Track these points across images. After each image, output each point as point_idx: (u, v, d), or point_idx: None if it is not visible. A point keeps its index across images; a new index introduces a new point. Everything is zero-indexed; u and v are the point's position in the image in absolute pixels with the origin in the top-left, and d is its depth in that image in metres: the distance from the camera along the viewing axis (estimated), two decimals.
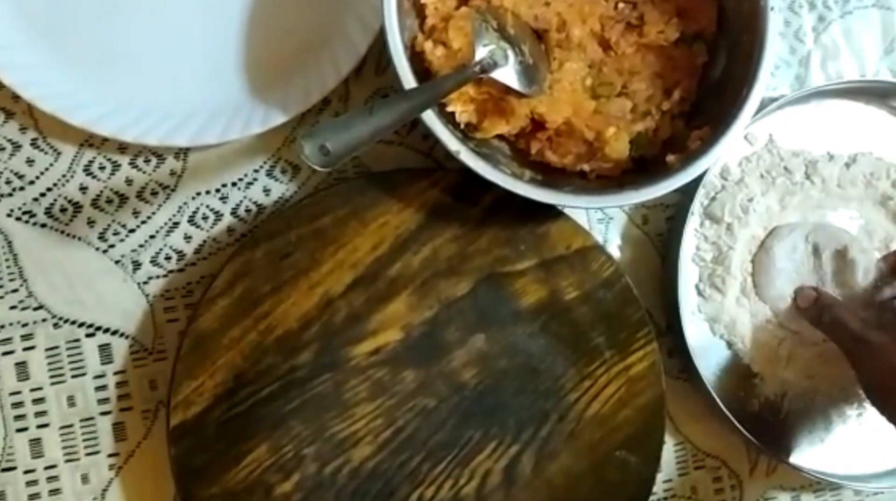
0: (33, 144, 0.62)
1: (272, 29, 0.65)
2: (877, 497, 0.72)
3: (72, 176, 0.63)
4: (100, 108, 0.61)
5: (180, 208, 0.64)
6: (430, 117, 0.57)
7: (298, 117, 0.64)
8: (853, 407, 0.70)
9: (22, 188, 0.62)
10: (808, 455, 0.69)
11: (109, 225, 0.63)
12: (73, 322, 0.62)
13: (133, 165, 0.63)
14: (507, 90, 0.60)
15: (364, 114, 0.52)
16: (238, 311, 0.60)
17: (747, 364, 0.69)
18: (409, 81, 0.57)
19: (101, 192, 0.63)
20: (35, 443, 0.62)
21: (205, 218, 0.64)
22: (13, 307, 0.62)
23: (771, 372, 0.69)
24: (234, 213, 0.65)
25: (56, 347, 0.62)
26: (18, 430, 0.62)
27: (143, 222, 0.64)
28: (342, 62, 0.63)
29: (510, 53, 0.59)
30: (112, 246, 0.63)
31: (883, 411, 0.61)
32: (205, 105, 0.63)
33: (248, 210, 0.65)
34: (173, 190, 0.64)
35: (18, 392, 0.62)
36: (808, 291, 0.67)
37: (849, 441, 0.70)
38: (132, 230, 0.63)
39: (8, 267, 0.62)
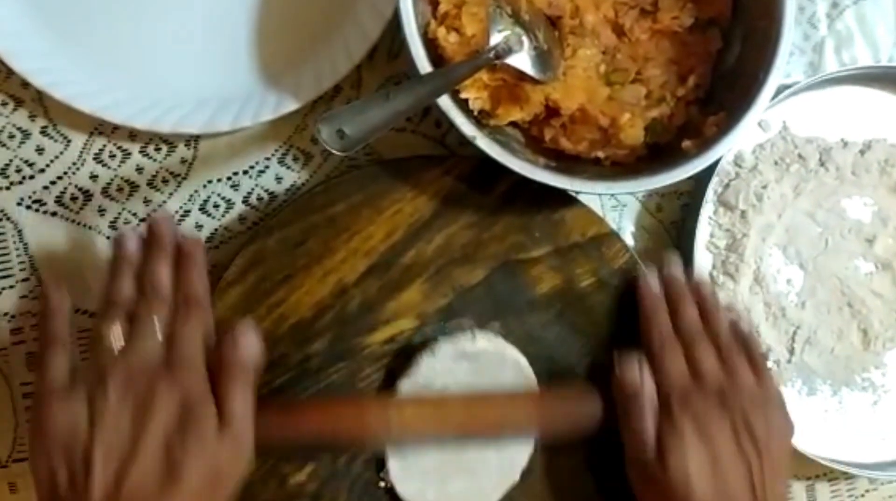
0: (43, 132, 0.62)
1: (284, 16, 0.64)
2: (892, 485, 0.71)
3: (82, 164, 0.62)
4: (111, 95, 0.61)
5: (191, 196, 0.63)
6: (445, 103, 0.57)
7: (310, 104, 0.64)
8: (869, 396, 0.70)
9: (32, 177, 0.62)
10: (823, 443, 0.69)
11: (120, 214, 0.63)
12: (84, 312, 0.62)
13: (143, 153, 0.63)
14: (522, 76, 0.59)
15: (380, 99, 0.52)
16: (251, 299, 0.60)
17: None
18: (424, 66, 0.56)
19: (112, 180, 0.63)
20: None
21: (216, 206, 0.64)
22: (23, 297, 0.61)
23: (785, 361, 0.68)
24: (245, 201, 0.64)
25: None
26: (29, 421, 0.61)
27: (154, 211, 0.63)
28: (354, 49, 0.62)
29: (525, 39, 0.59)
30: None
31: None
32: (216, 92, 0.62)
33: (259, 198, 0.64)
34: (184, 178, 0.63)
35: (29, 383, 0.61)
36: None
37: (864, 430, 0.70)
38: (143, 219, 0.63)
39: (18, 256, 0.61)
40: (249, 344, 0.52)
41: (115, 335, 0.50)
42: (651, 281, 0.62)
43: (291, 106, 0.61)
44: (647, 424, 0.56)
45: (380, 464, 0.60)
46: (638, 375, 0.57)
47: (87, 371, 0.49)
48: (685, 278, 0.63)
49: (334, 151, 0.49)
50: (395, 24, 0.60)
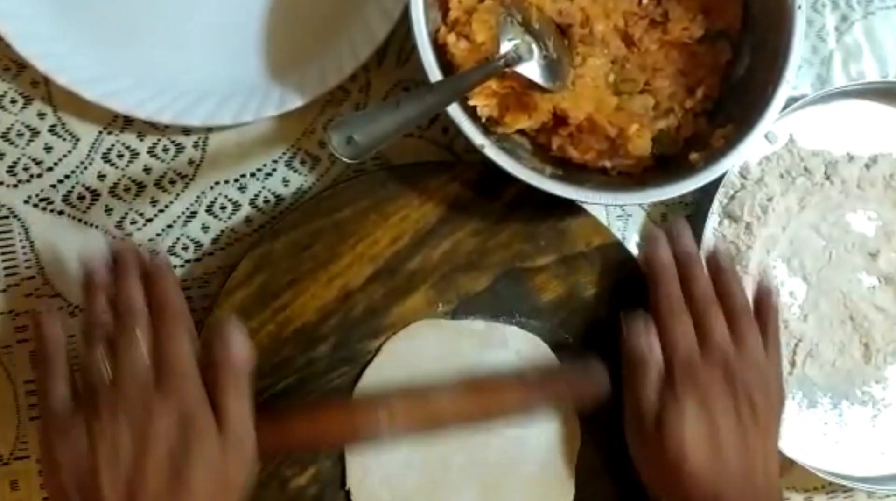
0: (51, 130, 0.62)
1: (291, 11, 0.64)
2: (889, 499, 0.71)
3: (90, 163, 0.62)
4: (114, 83, 0.61)
5: (198, 197, 0.64)
6: (454, 111, 0.57)
7: (318, 108, 0.64)
8: (869, 410, 0.70)
9: (39, 175, 0.62)
10: (822, 456, 0.69)
11: (127, 214, 0.63)
12: None
13: (151, 153, 0.63)
14: (530, 85, 0.59)
15: (391, 106, 0.52)
16: (256, 303, 0.60)
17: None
18: (434, 73, 0.57)
19: (119, 180, 0.63)
20: None
21: (223, 208, 0.64)
22: (29, 295, 0.61)
23: (786, 373, 0.68)
24: (252, 203, 0.64)
25: (72, 335, 0.61)
26: (32, 419, 0.61)
27: (161, 211, 0.63)
28: (360, 49, 0.62)
29: (535, 48, 0.59)
30: (129, 235, 0.63)
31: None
32: (220, 85, 0.62)
33: (266, 201, 0.64)
34: (191, 179, 0.63)
35: (33, 381, 0.61)
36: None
37: (863, 444, 0.70)
38: (150, 219, 0.63)
39: (24, 254, 0.61)
40: (239, 344, 0.51)
41: (102, 363, 0.50)
42: (661, 245, 0.60)
43: (295, 103, 0.61)
44: (650, 390, 0.56)
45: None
46: (644, 341, 0.57)
47: (84, 401, 0.49)
48: (696, 247, 0.61)
49: (344, 159, 0.49)
50: (403, 28, 0.61)
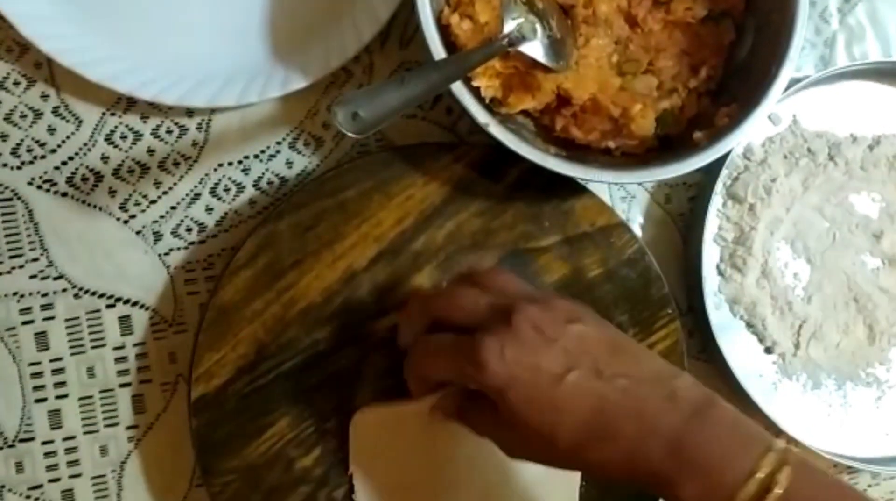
0: (55, 111, 0.62)
1: None
2: (894, 480, 0.72)
3: (93, 145, 0.62)
4: (118, 64, 0.60)
5: (202, 179, 0.63)
6: (458, 89, 0.57)
7: (322, 89, 0.64)
8: (873, 391, 0.70)
9: (43, 157, 0.61)
10: (827, 437, 0.69)
11: (131, 195, 0.63)
12: (94, 293, 0.62)
13: (155, 135, 0.63)
14: (534, 65, 0.59)
15: (395, 83, 0.52)
16: (261, 283, 0.60)
17: (767, 346, 0.69)
18: (438, 51, 0.56)
19: (123, 162, 0.62)
20: (54, 414, 0.61)
21: (227, 190, 0.64)
22: (33, 277, 0.61)
23: (791, 354, 0.69)
24: (256, 185, 0.64)
25: (76, 317, 0.62)
26: (37, 400, 0.61)
27: (165, 193, 0.63)
28: (363, 29, 0.62)
29: (538, 27, 0.59)
30: (133, 217, 0.63)
31: None
32: (224, 66, 0.62)
33: (270, 183, 0.64)
34: (195, 161, 0.63)
35: (38, 362, 0.61)
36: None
37: (867, 425, 0.70)
38: (153, 201, 0.63)
39: (28, 236, 0.61)
40: None
41: None
42: None
43: (299, 83, 0.61)
44: None
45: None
46: None
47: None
48: None
49: (349, 134, 0.49)
50: (407, 9, 0.61)
